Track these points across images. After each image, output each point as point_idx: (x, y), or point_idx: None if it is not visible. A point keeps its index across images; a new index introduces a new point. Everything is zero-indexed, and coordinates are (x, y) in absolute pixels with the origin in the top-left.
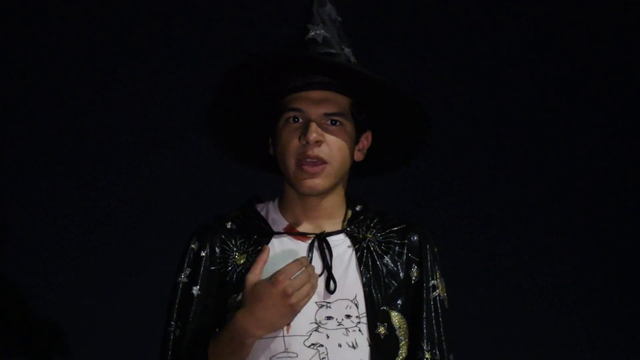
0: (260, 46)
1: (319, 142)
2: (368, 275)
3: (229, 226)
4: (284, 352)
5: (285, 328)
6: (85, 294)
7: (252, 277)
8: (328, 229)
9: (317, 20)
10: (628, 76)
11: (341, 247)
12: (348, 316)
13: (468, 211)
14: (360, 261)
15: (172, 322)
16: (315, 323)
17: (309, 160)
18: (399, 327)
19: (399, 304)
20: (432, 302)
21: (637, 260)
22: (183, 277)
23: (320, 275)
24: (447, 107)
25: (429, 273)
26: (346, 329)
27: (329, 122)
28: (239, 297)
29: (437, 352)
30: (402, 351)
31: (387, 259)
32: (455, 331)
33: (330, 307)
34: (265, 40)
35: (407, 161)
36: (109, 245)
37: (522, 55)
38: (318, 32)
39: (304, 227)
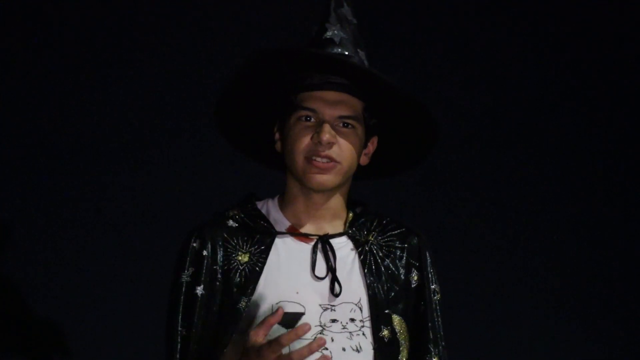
0: (266, 44)
1: (331, 144)
2: (372, 279)
3: (230, 224)
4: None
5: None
6: (85, 294)
7: (255, 337)
8: (329, 231)
9: (335, 20)
10: (628, 76)
11: (344, 250)
12: (352, 320)
13: (466, 211)
14: (363, 264)
15: (178, 323)
16: (320, 326)
17: (319, 159)
18: (400, 331)
19: (400, 307)
20: (433, 307)
21: (636, 260)
22: (185, 277)
23: (324, 278)
24: (446, 107)
25: (430, 277)
26: (350, 332)
27: (341, 124)
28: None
29: (443, 356)
30: (403, 355)
31: (388, 262)
32: (454, 332)
33: (334, 310)
34: (271, 39)
35: (411, 167)
36: (109, 245)
37: (521, 55)
38: (336, 32)
39: (306, 228)
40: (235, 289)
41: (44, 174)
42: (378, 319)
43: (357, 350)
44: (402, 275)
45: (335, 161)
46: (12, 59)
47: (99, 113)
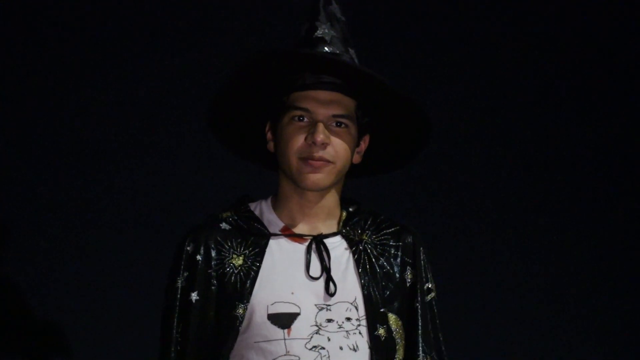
0: (259, 41)
1: (325, 144)
2: (367, 278)
3: (223, 227)
4: (285, 355)
5: (286, 331)
6: (85, 294)
7: None
8: (323, 230)
9: (325, 19)
10: (628, 76)
11: (338, 249)
12: (348, 319)
13: (464, 211)
14: (358, 263)
15: (173, 328)
16: (316, 326)
17: (312, 161)
18: (396, 330)
19: (395, 306)
20: (427, 306)
21: (636, 260)
22: (180, 281)
23: (319, 277)
24: (443, 105)
25: (423, 276)
26: (347, 331)
27: (334, 123)
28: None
29: (435, 355)
30: (399, 354)
31: (383, 261)
32: (453, 333)
33: (330, 310)
34: (265, 37)
35: (403, 164)
36: (110, 245)
37: (518, 53)
38: (326, 30)
39: (300, 228)
40: (230, 294)
41: (43, 174)
42: (374, 318)
43: (354, 350)
44: (397, 274)
45: (329, 162)
46: (12, 59)
47: (98, 113)
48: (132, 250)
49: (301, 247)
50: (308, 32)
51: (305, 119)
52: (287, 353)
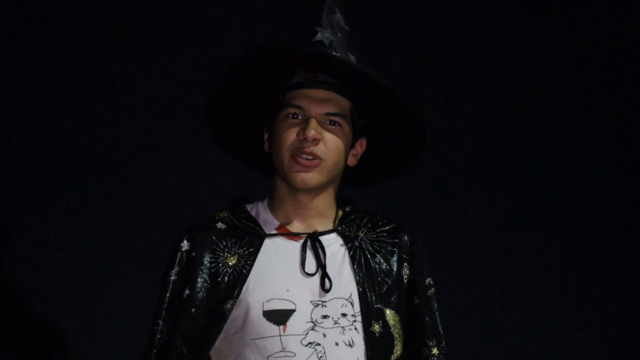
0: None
1: (316, 140)
2: (362, 274)
3: (219, 226)
4: (281, 351)
5: (281, 327)
6: (86, 294)
7: None
8: (319, 229)
9: (326, 25)
10: (628, 77)
11: (334, 246)
12: (344, 315)
13: (463, 211)
14: (353, 260)
15: (159, 321)
16: (312, 322)
17: (304, 155)
18: (394, 325)
19: (392, 302)
20: (428, 300)
21: (636, 260)
22: (173, 276)
23: (314, 274)
24: (443, 106)
25: (423, 271)
26: (342, 327)
27: (328, 122)
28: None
29: (443, 347)
30: (397, 349)
31: (379, 257)
32: (452, 331)
33: (325, 306)
34: (266, 39)
35: (401, 172)
36: (110, 245)
37: (518, 55)
38: (326, 35)
39: (295, 227)
40: (221, 291)
41: (43, 174)
42: (368, 314)
43: (350, 345)
44: (394, 270)
45: (320, 158)
46: (12, 60)
47: (97, 114)
48: (132, 250)
49: (296, 245)
50: (307, 37)
51: (299, 117)
52: (283, 349)
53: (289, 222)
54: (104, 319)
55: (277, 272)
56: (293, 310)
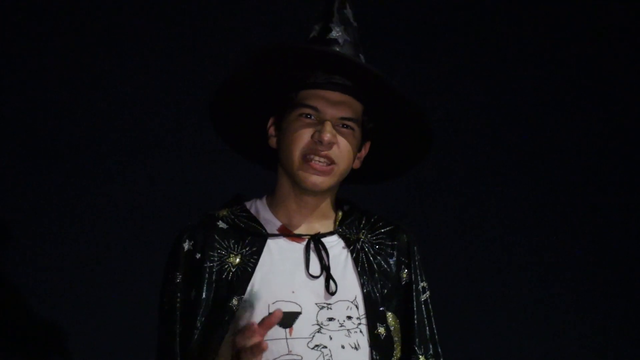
0: (261, 41)
1: (331, 144)
2: (365, 277)
3: (220, 225)
4: (287, 354)
5: (287, 330)
6: (85, 294)
7: (252, 338)
8: (320, 230)
9: (339, 22)
10: (627, 78)
11: (336, 248)
12: (349, 317)
13: (463, 211)
14: (356, 262)
15: (176, 324)
16: (318, 324)
17: (317, 158)
18: (394, 328)
19: (393, 304)
20: (423, 305)
21: (636, 260)
22: (179, 278)
23: (319, 276)
24: (443, 107)
25: (418, 275)
26: (348, 330)
27: (341, 125)
28: (236, 302)
29: (432, 354)
30: (397, 352)
31: (380, 259)
32: (450, 332)
33: (331, 309)
34: (268, 37)
35: (402, 172)
36: (110, 245)
37: (517, 57)
38: (340, 33)
39: (297, 228)
40: (226, 289)
41: (43, 174)
42: (374, 317)
43: (356, 348)
44: (393, 272)
45: (334, 163)
46: (12, 60)
47: (96, 114)
48: (132, 250)
49: (299, 247)
50: (321, 33)
51: (313, 117)
52: (290, 352)
53: (290, 222)
54: (104, 319)
55: (281, 273)
56: (299, 313)
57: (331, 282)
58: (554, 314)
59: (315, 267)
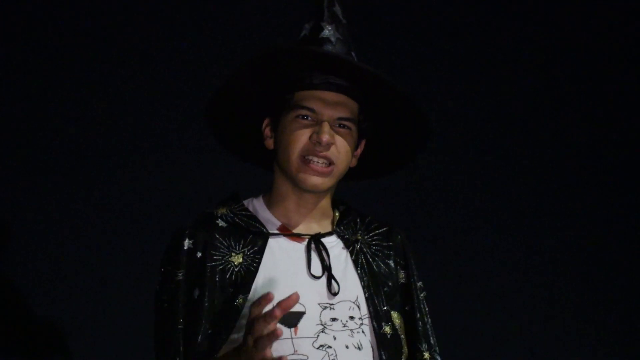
0: (259, 40)
1: (329, 145)
2: (366, 277)
3: (220, 224)
4: (293, 354)
5: (292, 330)
6: (85, 294)
7: (264, 325)
8: (319, 229)
9: (330, 19)
10: (626, 78)
11: (336, 249)
12: (351, 318)
13: (460, 211)
14: (356, 263)
15: (178, 322)
16: (321, 324)
17: (316, 159)
18: (399, 326)
19: (395, 303)
20: (422, 304)
21: (635, 260)
22: (180, 277)
23: (321, 277)
24: (441, 107)
25: (414, 275)
26: (351, 330)
27: (338, 125)
28: (242, 300)
29: (436, 350)
30: (405, 349)
31: (378, 260)
32: (448, 333)
33: (333, 309)
34: (265, 35)
35: (398, 168)
36: (110, 245)
37: (516, 57)
38: (331, 32)
39: (297, 228)
40: (231, 288)
41: (43, 174)
42: (378, 316)
43: (359, 348)
44: (392, 273)
45: (332, 163)
46: (12, 60)
47: (95, 114)
48: (132, 249)
49: (300, 247)
50: (313, 32)
51: (310, 118)
52: (295, 352)
53: (289, 222)
54: (104, 319)
55: (284, 274)
56: (303, 313)
57: (333, 282)
58: (554, 313)
59: (316, 267)
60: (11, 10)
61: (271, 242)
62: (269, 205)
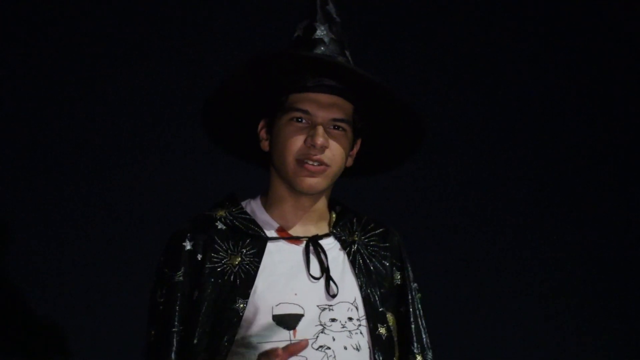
0: (256, 40)
1: (324, 148)
2: (363, 279)
3: (219, 227)
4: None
5: (292, 332)
6: (85, 294)
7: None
8: (316, 231)
9: (323, 19)
10: (625, 79)
11: (333, 250)
12: (350, 319)
13: (458, 212)
14: (353, 264)
15: (174, 324)
16: (321, 325)
17: (311, 162)
18: (394, 328)
19: (390, 305)
20: (417, 305)
21: (635, 260)
22: (179, 277)
23: (319, 278)
24: (438, 107)
25: (410, 276)
26: (349, 331)
27: (332, 126)
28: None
29: (429, 353)
30: (396, 352)
31: (375, 261)
32: (446, 333)
33: (332, 310)
34: (263, 35)
35: (393, 167)
36: (110, 245)
37: (514, 56)
38: (325, 32)
39: (294, 230)
40: (230, 291)
41: (43, 174)
42: (374, 318)
43: (357, 349)
44: (388, 274)
45: (326, 165)
46: (12, 60)
47: (94, 114)
48: (131, 249)
49: (298, 249)
50: (306, 32)
51: (304, 121)
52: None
53: (287, 224)
54: (105, 319)
55: (283, 276)
56: (302, 315)
57: (332, 284)
58: (553, 314)
59: (315, 269)
60: (11, 10)
61: (270, 245)
62: (266, 206)
